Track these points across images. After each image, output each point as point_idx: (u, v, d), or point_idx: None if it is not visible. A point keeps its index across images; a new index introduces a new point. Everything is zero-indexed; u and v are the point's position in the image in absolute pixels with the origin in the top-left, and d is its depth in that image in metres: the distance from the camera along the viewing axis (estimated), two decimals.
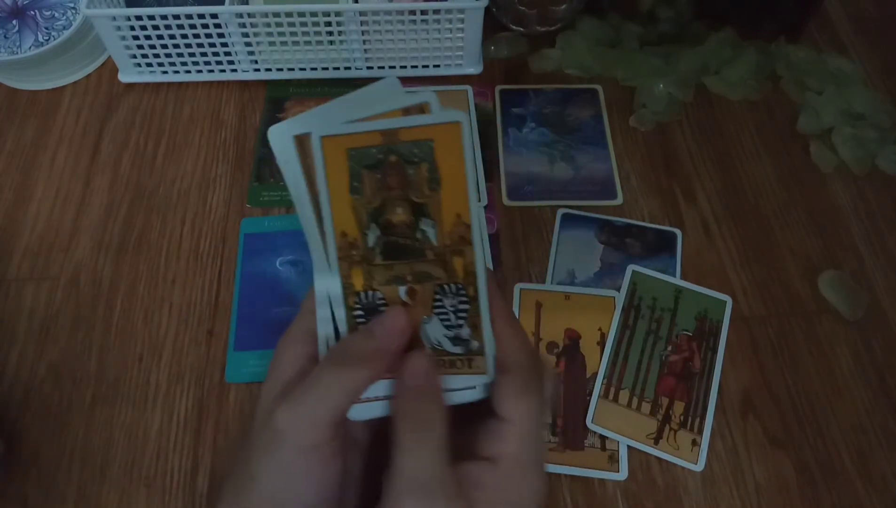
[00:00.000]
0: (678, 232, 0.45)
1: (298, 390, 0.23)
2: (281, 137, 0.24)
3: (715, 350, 0.40)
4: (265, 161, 0.48)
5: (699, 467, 0.37)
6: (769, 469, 0.37)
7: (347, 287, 0.24)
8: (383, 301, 0.24)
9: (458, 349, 0.25)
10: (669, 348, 0.40)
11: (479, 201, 0.23)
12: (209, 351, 0.40)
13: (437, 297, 0.24)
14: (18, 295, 0.42)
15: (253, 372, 0.39)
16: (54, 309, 0.42)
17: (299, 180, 0.24)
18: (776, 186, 0.47)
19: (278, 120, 0.50)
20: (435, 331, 0.25)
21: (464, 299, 0.24)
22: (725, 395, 0.39)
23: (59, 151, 0.49)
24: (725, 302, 0.42)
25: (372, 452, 0.27)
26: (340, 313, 0.25)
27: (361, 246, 0.24)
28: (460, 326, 0.24)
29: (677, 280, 0.43)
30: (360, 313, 0.25)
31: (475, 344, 0.25)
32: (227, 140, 0.49)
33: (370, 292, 0.24)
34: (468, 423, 0.24)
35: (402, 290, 0.24)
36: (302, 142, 0.24)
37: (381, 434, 0.27)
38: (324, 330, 0.25)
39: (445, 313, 0.24)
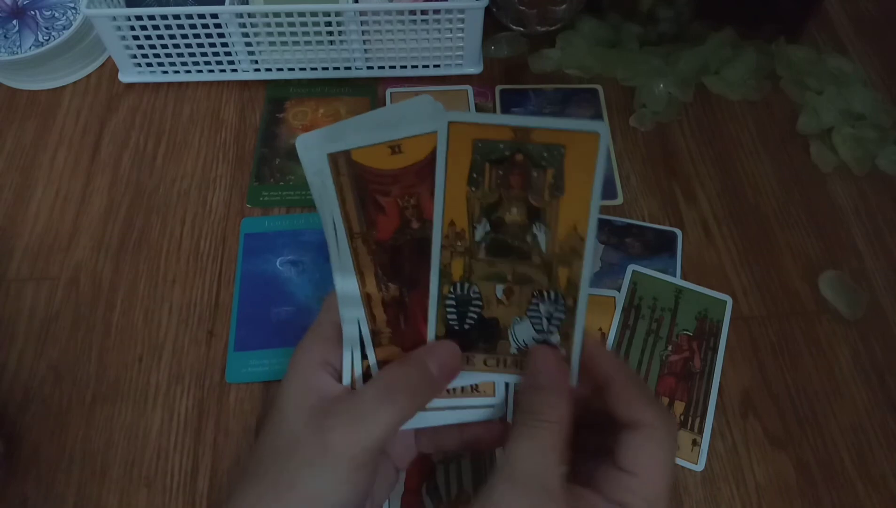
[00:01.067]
0: (678, 232, 0.45)
1: (353, 413, 0.23)
2: (319, 153, 0.24)
3: (715, 350, 0.40)
4: (265, 161, 0.48)
5: (699, 467, 0.37)
6: (769, 469, 0.37)
7: (445, 276, 0.24)
8: (478, 296, 0.24)
9: None
10: (669, 348, 0.40)
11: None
12: (209, 351, 0.40)
13: (534, 302, 0.24)
14: (18, 295, 0.42)
15: (253, 372, 0.39)
16: (54, 309, 0.42)
17: (331, 192, 0.24)
18: (776, 186, 0.47)
19: (278, 120, 0.50)
20: (524, 333, 0.24)
21: (561, 308, 0.24)
22: (725, 395, 0.39)
23: (58, 151, 0.49)
24: (725, 302, 0.42)
25: (384, 467, 0.27)
26: (366, 331, 0.25)
27: (468, 238, 0.24)
28: (552, 332, 0.24)
29: (677, 280, 0.43)
30: (451, 302, 0.24)
31: (562, 352, 0.24)
32: (227, 140, 0.49)
33: (466, 285, 0.24)
34: (595, 459, 0.24)
35: (499, 288, 0.24)
36: (336, 159, 0.24)
37: (389, 452, 0.27)
38: (349, 332, 0.25)
39: (539, 318, 0.24)
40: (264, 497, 0.23)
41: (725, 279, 0.43)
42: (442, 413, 0.26)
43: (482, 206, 0.23)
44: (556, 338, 0.24)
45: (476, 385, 0.26)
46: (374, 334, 0.25)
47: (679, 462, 0.37)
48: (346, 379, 0.26)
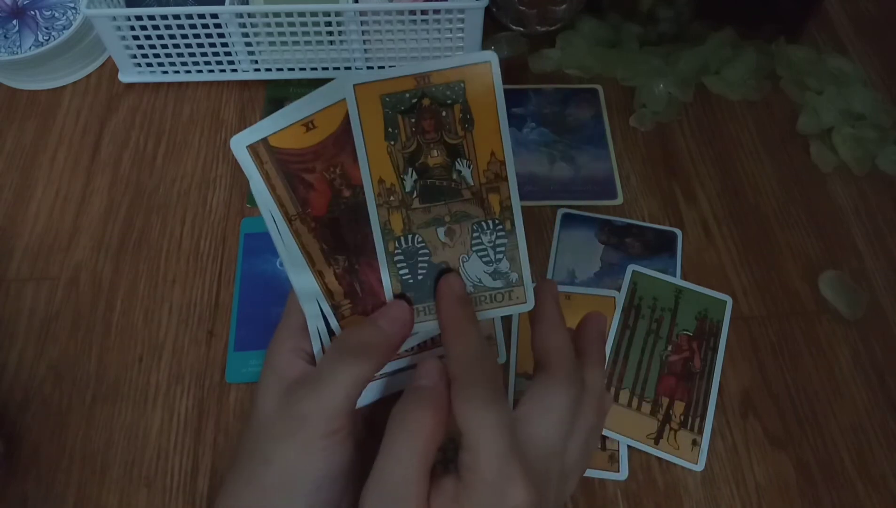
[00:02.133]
0: (678, 232, 0.45)
1: (315, 381, 0.24)
2: (239, 147, 0.24)
3: (715, 350, 0.40)
4: None
5: (699, 467, 0.37)
6: (769, 469, 0.37)
7: (387, 233, 0.25)
8: (423, 245, 0.25)
9: (498, 284, 0.25)
10: (670, 348, 0.40)
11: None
12: (209, 351, 0.40)
13: (476, 235, 0.25)
14: (18, 295, 0.42)
15: (253, 372, 0.39)
16: (54, 309, 0.42)
17: (259, 183, 0.25)
18: (776, 186, 0.47)
19: None
20: (475, 269, 0.25)
21: (501, 233, 0.25)
22: (725, 395, 0.39)
23: (58, 151, 0.49)
24: (725, 302, 0.42)
25: (366, 448, 0.27)
26: (326, 307, 0.26)
27: (399, 191, 0.25)
28: (499, 260, 0.25)
29: (677, 280, 0.43)
30: (399, 257, 0.25)
31: (514, 276, 0.25)
32: (226, 140, 0.49)
33: (410, 236, 0.25)
34: None
35: (441, 231, 0.25)
36: (255, 149, 0.24)
37: (373, 432, 0.27)
38: (314, 325, 0.26)
39: (484, 250, 0.25)
40: (251, 476, 0.24)
41: (725, 279, 0.43)
42: (406, 374, 0.27)
43: (404, 157, 0.24)
44: (504, 264, 0.25)
45: (434, 339, 0.27)
46: (335, 308, 0.26)
47: (679, 462, 0.37)
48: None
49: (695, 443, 0.37)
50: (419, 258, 0.25)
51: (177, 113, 0.50)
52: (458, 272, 0.25)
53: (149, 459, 0.37)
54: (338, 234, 0.25)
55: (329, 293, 0.25)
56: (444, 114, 0.24)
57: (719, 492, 0.37)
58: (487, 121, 0.24)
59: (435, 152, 0.24)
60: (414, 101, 0.24)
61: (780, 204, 0.47)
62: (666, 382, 0.39)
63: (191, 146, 0.49)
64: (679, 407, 0.38)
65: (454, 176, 0.24)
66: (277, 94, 0.51)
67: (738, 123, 0.50)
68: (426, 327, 0.26)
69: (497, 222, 0.25)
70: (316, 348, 0.26)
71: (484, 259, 0.25)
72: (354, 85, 0.23)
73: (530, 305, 0.25)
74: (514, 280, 0.25)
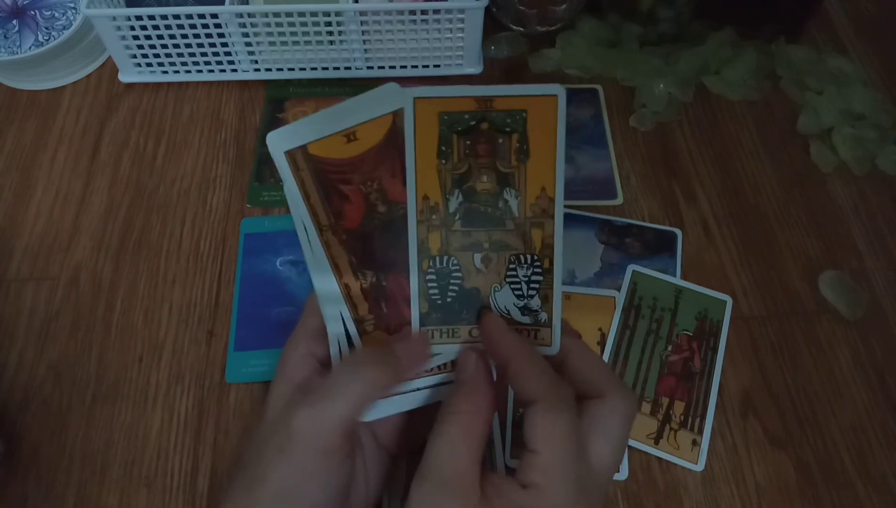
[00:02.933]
0: (678, 232, 0.45)
1: (316, 394, 0.23)
2: (277, 150, 0.24)
3: (715, 350, 0.40)
4: (265, 161, 0.48)
5: (699, 467, 0.37)
6: (769, 469, 0.37)
7: (423, 251, 0.24)
8: (458, 267, 0.24)
9: (525, 319, 0.25)
10: (670, 348, 0.40)
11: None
12: (209, 351, 0.40)
13: (512, 267, 0.24)
14: (18, 295, 0.42)
15: (253, 372, 0.39)
16: (54, 309, 0.42)
17: (293, 189, 0.24)
18: (776, 186, 0.47)
19: (279, 120, 0.50)
20: (505, 299, 0.25)
21: (538, 270, 0.24)
22: (725, 395, 0.39)
23: (58, 151, 0.49)
24: (725, 302, 0.42)
25: (374, 457, 0.27)
26: (349, 321, 0.25)
27: (442, 211, 0.24)
28: (531, 296, 0.24)
29: (677, 280, 0.43)
30: (432, 277, 0.25)
31: (543, 316, 0.25)
32: (227, 140, 0.49)
33: (445, 258, 0.24)
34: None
35: (477, 257, 0.24)
36: (293, 155, 0.24)
37: (379, 440, 0.27)
38: (334, 329, 0.25)
39: (518, 283, 0.24)
40: (247, 493, 0.23)
41: (725, 279, 0.43)
42: (421, 394, 0.26)
43: (453, 177, 0.24)
44: (536, 302, 0.25)
45: (446, 363, 0.26)
46: (358, 322, 0.25)
47: (679, 462, 0.37)
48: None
49: (695, 443, 0.37)
50: (451, 280, 0.25)
51: (177, 113, 0.50)
52: (491, 306, 0.25)
53: (149, 459, 0.37)
54: (369, 248, 0.25)
55: (353, 307, 0.25)
56: (500, 141, 0.23)
57: (719, 492, 0.37)
58: (544, 155, 0.23)
59: (485, 178, 0.24)
60: (472, 123, 0.23)
61: (780, 204, 0.47)
62: (666, 382, 0.39)
63: (191, 146, 0.49)
64: (679, 407, 0.38)
65: (500, 204, 0.24)
66: (277, 94, 0.51)
67: (738, 123, 0.50)
68: (447, 349, 0.25)
69: (536, 258, 0.24)
70: (333, 351, 0.26)
71: (516, 292, 0.25)
72: (415, 98, 0.23)
73: (555, 349, 0.25)
74: (542, 320, 0.25)
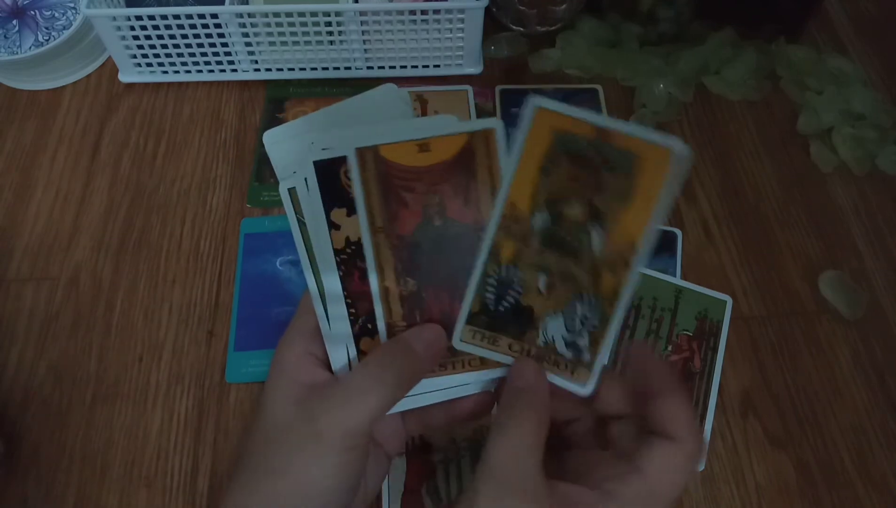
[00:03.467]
0: (678, 232, 0.45)
1: (340, 397, 0.24)
2: (349, 148, 0.24)
3: (715, 350, 0.40)
4: (265, 161, 0.48)
5: (700, 467, 0.37)
6: (769, 469, 0.37)
7: (493, 255, 0.24)
8: (520, 282, 0.24)
9: (567, 353, 0.25)
10: (670, 348, 0.40)
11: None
12: (209, 351, 0.40)
13: (573, 301, 0.24)
14: (18, 295, 0.42)
15: (253, 372, 0.39)
16: (54, 309, 0.42)
17: (358, 187, 0.25)
18: (776, 186, 0.47)
19: (278, 120, 0.50)
20: (555, 328, 0.25)
21: (597, 314, 0.24)
22: (725, 395, 0.39)
23: (58, 151, 0.49)
24: (725, 302, 0.42)
25: (373, 454, 0.27)
26: (380, 313, 0.25)
27: (525, 224, 0.24)
28: (581, 335, 0.24)
29: (677, 280, 0.43)
30: (492, 282, 0.24)
31: (587, 356, 0.24)
32: (227, 140, 0.49)
33: (512, 269, 0.24)
34: (581, 451, 0.24)
35: (542, 280, 0.24)
36: (363, 154, 0.24)
37: (376, 437, 0.28)
38: (339, 328, 0.26)
39: (573, 318, 0.24)
40: (259, 485, 0.23)
41: (725, 279, 0.43)
42: (430, 395, 0.26)
43: (547, 196, 0.23)
44: (584, 342, 0.24)
45: (464, 362, 0.26)
46: (390, 327, 0.26)
47: None
48: (336, 369, 0.26)
49: None
50: (509, 293, 0.24)
51: (177, 113, 0.50)
52: (539, 330, 0.25)
53: (149, 459, 0.37)
54: (416, 257, 0.25)
55: (388, 311, 0.25)
56: (606, 176, 0.22)
57: (719, 492, 0.37)
58: (644, 204, 0.22)
59: (578, 207, 0.23)
60: (586, 150, 0.22)
61: (780, 204, 0.47)
62: None
63: (191, 146, 0.49)
64: None
65: (583, 237, 0.23)
66: (277, 94, 0.51)
67: (738, 123, 0.50)
68: (483, 353, 0.25)
69: (600, 301, 0.24)
70: (340, 362, 0.26)
71: (568, 325, 0.24)
72: (537, 107, 0.23)
73: (587, 391, 0.24)
74: (585, 359, 0.24)
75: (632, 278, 0.23)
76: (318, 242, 0.25)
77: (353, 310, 0.26)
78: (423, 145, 0.24)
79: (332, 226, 0.25)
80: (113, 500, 0.36)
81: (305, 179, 0.25)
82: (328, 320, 0.26)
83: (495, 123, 0.24)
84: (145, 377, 0.39)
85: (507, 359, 0.25)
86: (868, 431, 0.38)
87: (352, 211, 0.25)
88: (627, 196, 0.23)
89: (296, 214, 0.25)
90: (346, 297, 0.25)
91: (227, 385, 0.39)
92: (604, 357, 0.24)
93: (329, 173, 0.25)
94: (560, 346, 0.25)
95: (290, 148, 0.26)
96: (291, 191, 0.25)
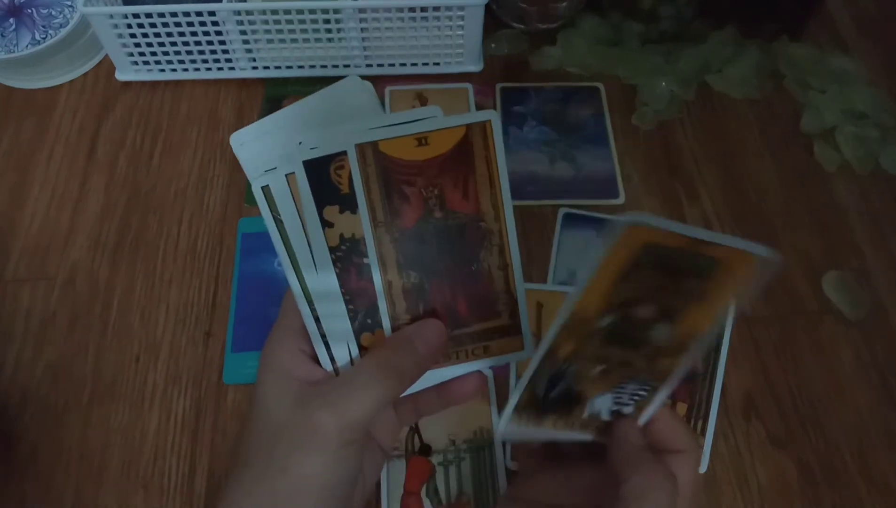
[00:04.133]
0: None
1: (339, 392, 0.24)
2: (349, 144, 0.24)
3: (717, 351, 0.40)
4: None
5: (702, 468, 0.37)
6: (771, 470, 0.37)
7: (551, 352, 0.23)
8: (574, 373, 0.24)
9: (609, 418, 0.25)
10: None
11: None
12: (207, 352, 0.40)
13: (625, 383, 0.24)
14: (15, 296, 0.42)
15: (251, 373, 0.39)
16: (51, 310, 0.41)
17: (358, 182, 0.24)
18: (779, 185, 0.47)
19: None
20: (602, 402, 0.24)
21: (647, 391, 0.24)
22: (728, 396, 0.39)
23: (55, 150, 0.48)
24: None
25: (369, 450, 0.28)
26: (384, 308, 0.25)
27: (592, 324, 0.22)
28: (628, 405, 0.25)
29: None
30: (545, 374, 0.23)
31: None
32: (224, 139, 0.49)
33: (568, 363, 0.23)
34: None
35: (598, 369, 0.24)
36: (363, 149, 0.24)
37: (372, 433, 0.28)
38: (336, 326, 0.26)
39: (622, 394, 0.24)
40: (258, 482, 0.23)
41: None
42: (427, 379, 0.27)
43: (620, 299, 0.22)
44: (629, 409, 0.25)
45: (467, 352, 0.27)
46: (394, 320, 0.26)
47: None
48: (328, 366, 0.26)
49: None
50: (563, 381, 0.24)
51: (174, 112, 0.50)
52: (586, 405, 0.25)
53: (146, 460, 0.37)
54: (418, 250, 0.25)
55: (392, 304, 0.25)
56: (686, 282, 0.21)
57: (722, 494, 0.36)
58: (713, 305, 0.22)
59: (649, 308, 0.22)
60: (677, 263, 0.21)
61: (783, 204, 0.46)
62: None
63: (188, 145, 0.48)
64: (681, 409, 0.38)
65: (648, 332, 0.22)
66: (276, 92, 0.51)
67: (741, 121, 0.50)
68: (527, 432, 0.25)
69: (652, 383, 0.24)
70: (339, 359, 0.26)
71: (616, 400, 0.24)
72: (632, 223, 0.20)
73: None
74: None
75: (686, 363, 0.23)
76: (313, 241, 0.25)
77: (351, 306, 0.26)
78: (422, 139, 0.24)
79: (326, 224, 0.25)
80: (110, 500, 0.36)
81: (287, 178, 0.25)
82: (320, 318, 0.26)
83: (491, 115, 0.24)
84: (142, 377, 0.39)
85: (552, 434, 0.25)
86: (870, 431, 0.38)
87: (344, 208, 0.25)
88: (701, 296, 0.22)
89: (271, 211, 0.25)
90: (343, 294, 0.25)
91: (224, 386, 0.39)
92: (646, 419, 0.25)
93: (319, 171, 0.25)
94: (604, 415, 0.25)
95: (260, 147, 0.26)
96: (265, 189, 0.25)
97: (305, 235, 0.25)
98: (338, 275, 0.25)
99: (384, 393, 0.24)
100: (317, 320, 0.26)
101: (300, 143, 0.24)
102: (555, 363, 0.23)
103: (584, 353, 0.23)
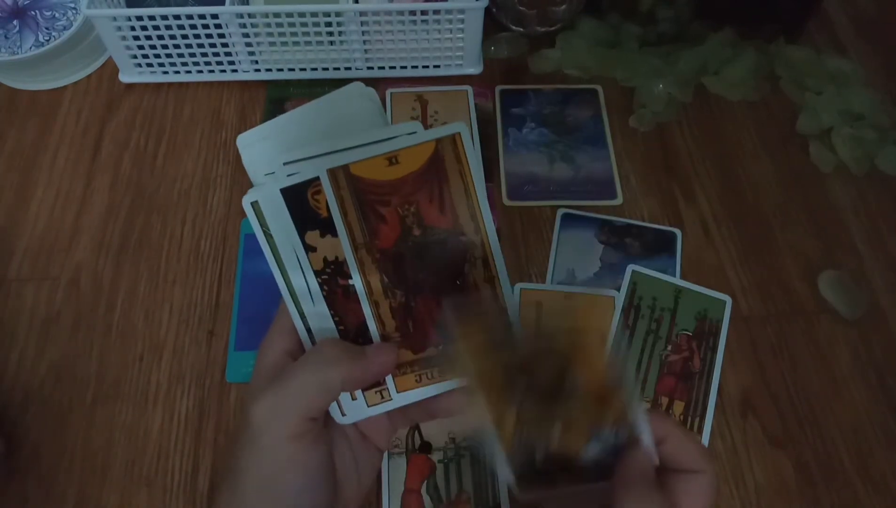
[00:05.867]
0: (678, 232, 0.45)
1: (275, 384, 0.24)
2: (320, 170, 0.24)
3: (714, 350, 0.40)
4: None
5: None
6: (769, 469, 0.37)
7: (497, 427, 0.24)
8: (541, 439, 0.24)
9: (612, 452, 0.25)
10: (669, 347, 0.40)
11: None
12: (210, 351, 0.40)
13: (597, 427, 0.24)
14: (19, 295, 0.42)
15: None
16: (55, 309, 0.42)
17: (334, 206, 0.25)
18: (775, 186, 0.47)
19: None
20: (594, 451, 0.24)
21: (624, 435, 0.24)
22: (725, 395, 0.39)
23: (59, 151, 0.49)
24: (725, 302, 0.42)
25: (361, 447, 0.28)
26: (373, 329, 0.25)
27: (510, 406, 0.24)
28: (619, 438, 0.24)
29: (677, 280, 0.43)
30: (515, 450, 0.24)
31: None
32: (227, 140, 0.49)
33: (522, 433, 0.24)
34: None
35: (557, 425, 0.24)
36: (335, 173, 0.24)
37: (362, 430, 0.28)
38: (320, 324, 0.26)
39: (606, 438, 0.24)
40: (227, 485, 0.24)
41: (725, 279, 0.43)
42: (408, 394, 0.27)
43: (515, 390, 0.23)
44: (622, 440, 0.25)
45: (431, 374, 0.27)
46: (384, 339, 0.26)
47: None
48: None
49: None
50: (536, 450, 0.24)
51: (177, 113, 0.50)
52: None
53: (149, 459, 0.37)
54: (400, 269, 0.25)
55: (381, 323, 0.26)
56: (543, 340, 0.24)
57: (718, 492, 0.37)
58: (589, 340, 0.24)
59: (541, 375, 0.24)
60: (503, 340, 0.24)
61: (780, 204, 0.47)
62: (665, 382, 0.39)
63: (191, 146, 0.49)
64: (678, 407, 0.39)
65: (563, 385, 0.24)
66: (278, 94, 0.51)
67: (738, 123, 0.50)
68: (554, 495, 0.25)
69: (619, 426, 0.24)
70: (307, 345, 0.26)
71: (604, 443, 0.24)
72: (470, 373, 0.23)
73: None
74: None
75: (631, 394, 0.24)
76: (301, 267, 0.25)
77: (342, 327, 0.26)
78: (392, 158, 0.24)
79: (309, 248, 0.25)
80: (113, 500, 0.36)
81: (270, 206, 0.25)
82: (311, 330, 0.26)
83: (460, 128, 0.24)
84: (146, 376, 0.40)
85: (574, 492, 0.25)
86: (867, 431, 0.38)
87: (325, 232, 0.25)
88: (573, 344, 0.23)
89: (261, 226, 0.25)
90: (333, 315, 0.26)
91: (227, 385, 0.39)
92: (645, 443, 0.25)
93: (297, 198, 0.25)
94: (594, 454, 0.25)
95: (262, 150, 0.27)
96: (255, 204, 0.25)
97: (295, 255, 0.25)
98: (325, 297, 0.26)
99: (318, 380, 0.23)
100: (308, 330, 0.26)
101: (283, 164, 0.25)
102: (509, 436, 0.24)
103: (528, 419, 0.24)
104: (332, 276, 0.25)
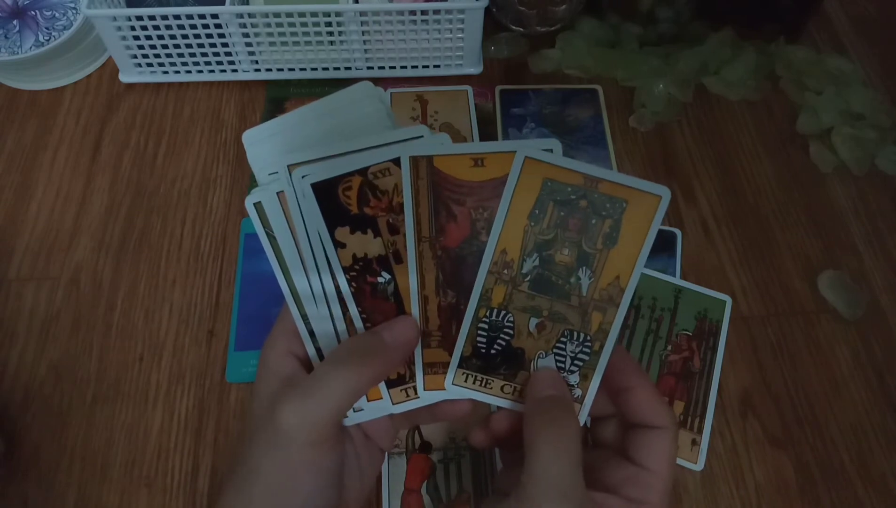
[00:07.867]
0: (678, 232, 0.45)
1: (302, 388, 0.23)
2: (403, 154, 0.24)
3: (715, 350, 0.40)
4: None
5: (699, 466, 0.37)
6: (769, 469, 0.37)
7: (484, 299, 0.25)
8: (511, 325, 0.25)
9: None
10: (669, 347, 0.40)
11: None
12: (210, 351, 0.40)
13: (563, 341, 0.25)
14: (19, 295, 0.42)
15: (254, 372, 0.39)
16: (55, 309, 0.42)
17: (408, 194, 0.25)
18: (775, 186, 0.47)
19: None
20: (546, 365, 0.25)
21: (587, 350, 0.25)
22: (725, 395, 0.39)
23: (59, 151, 0.49)
24: (725, 302, 0.42)
25: (365, 448, 0.27)
26: (359, 325, 0.25)
27: (515, 269, 0.24)
28: (572, 372, 0.25)
29: (677, 280, 0.43)
30: (484, 326, 0.25)
31: (578, 392, 0.25)
32: (227, 140, 0.49)
33: (503, 313, 0.25)
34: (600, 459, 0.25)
35: (533, 321, 0.25)
36: (417, 162, 0.24)
37: (366, 431, 0.28)
38: (322, 328, 0.26)
39: (563, 357, 0.25)
40: (235, 486, 0.23)
41: (725, 279, 0.43)
42: (436, 394, 0.27)
43: (537, 241, 0.24)
44: (575, 378, 0.25)
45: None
46: (425, 335, 0.26)
47: (679, 461, 0.37)
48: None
49: (694, 443, 0.38)
50: (501, 336, 0.25)
51: (177, 113, 0.50)
52: (531, 370, 0.25)
53: (149, 459, 0.37)
54: (458, 270, 0.25)
55: (425, 319, 0.25)
56: (593, 221, 0.24)
57: (719, 492, 0.37)
58: (630, 248, 0.24)
59: (566, 251, 0.24)
60: (573, 197, 0.24)
61: (780, 204, 0.47)
62: (665, 381, 0.39)
63: (191, 146, 0.49)
64: (678, 407, 0.39)
65: (572, 279, 0.24)
66: (278, 94, 0.51)
67: (738, 123, 0.50)
68: (476, 395, 0.26)
69: (588, 338, 0.25)
70: (311, 352, 0.26)
71: (559, 364, 0.25)
72: (525, 157, 0.23)
73: (580, 422, 0.25)
74: (576, 395, 0.25)
75: (619, 315, 0.24)
76: (330, 263, 0.25)
77: (368, 324, 0.26)
78: (478, 160, 0.24)
79: (338, 245, 0.25)
80: (113, 500, 0.36)
81: (298, 203, 0.25)
82: (314, 330, 0.26)
83: (553, 144, 0.24)
84: (146, 376, 0.40)
85: (500, 402, 0.26)
86: (867, 431, 0.38)
87: (355, 229, 0.25)
88: (615, 240, 0.24)
89: (263, 226, 0.25)
90: (360, 312, 0.25)
91: (227, 385, 0.39)
92: (594, 391, 0.25)
93: (327, 193, 0.25)
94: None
95: (268, 147, 0.27)
96: (258, 205, 0.25)
97: (313, 255, 0.25)
98: (353, 294, 0.25)
99: (346, 386, 0.23)
100: (311, 333, 0.26)
101: (287, 166, 0.25)
102: (489, 310, 0.25)
103: (516, 302, 0.25)
104: (360, 273, 0.25)
